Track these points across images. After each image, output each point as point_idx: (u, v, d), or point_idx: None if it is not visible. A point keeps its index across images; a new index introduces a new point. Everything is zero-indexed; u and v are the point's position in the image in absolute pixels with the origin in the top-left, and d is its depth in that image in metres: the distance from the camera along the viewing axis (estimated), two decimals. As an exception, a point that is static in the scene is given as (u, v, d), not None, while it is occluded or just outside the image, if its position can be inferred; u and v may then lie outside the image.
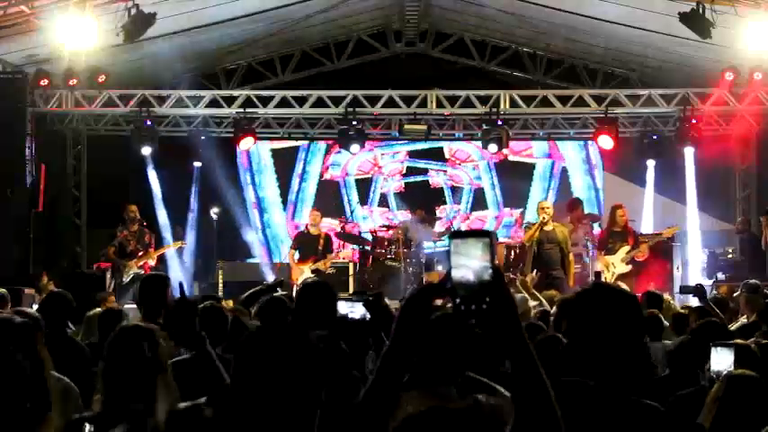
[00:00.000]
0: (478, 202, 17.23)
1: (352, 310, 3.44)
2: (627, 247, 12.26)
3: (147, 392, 3.10)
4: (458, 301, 1.83)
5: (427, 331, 3.09)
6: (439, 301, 2.05)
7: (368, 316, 3.43)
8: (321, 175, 17.10)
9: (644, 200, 15.67)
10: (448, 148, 17.19)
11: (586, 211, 14.80)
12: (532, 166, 17.21)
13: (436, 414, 1.98)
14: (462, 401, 2.05)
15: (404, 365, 2.05)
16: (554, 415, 1.91)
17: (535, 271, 11.38)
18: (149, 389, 3.10)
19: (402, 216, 16.28)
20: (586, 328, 2.55)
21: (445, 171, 17.21)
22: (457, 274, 1.83)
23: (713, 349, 3.63)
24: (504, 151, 15.36)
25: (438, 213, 16.58)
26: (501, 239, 15.69)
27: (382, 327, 3.45)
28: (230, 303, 10.20)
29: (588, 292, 2.72)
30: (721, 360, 3.60)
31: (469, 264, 1.83)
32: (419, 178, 17.22)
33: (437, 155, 17.20)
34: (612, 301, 2.58)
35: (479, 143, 15.56)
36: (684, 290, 8.75)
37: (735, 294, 9.08)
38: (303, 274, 12.78)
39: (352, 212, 16.16)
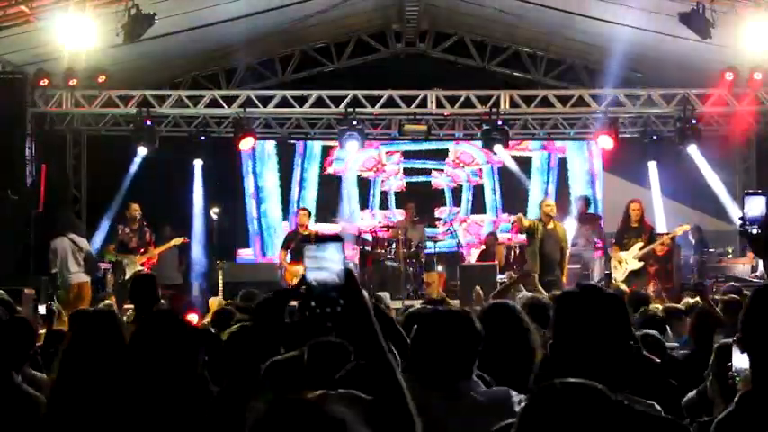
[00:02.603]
0: (477, 205, 17.25)
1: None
2: (640, 243, 12.15)
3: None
4: (313, 303, 1.90)
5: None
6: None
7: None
8: (323, 170, 17.08)
9: (652, 202, 15.62)
10: (453, 150, 17.19)
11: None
12: (529, 161, 17.20)
13: None
14: None
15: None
16: (408, 412, 1.94)
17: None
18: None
19: (400, 215, 16.34)
20: (571, 328, 2.54)
21: (442, 170, 17.20)
22: (311, 277, 1.91)
23: (735, 347, 3.57)
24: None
25: (437, 214, 16.63)
26: (501, 240, 15.72)
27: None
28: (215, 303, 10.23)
29: (574, 293, 2.71)
30: (744, 358, 3.53)
31: (323, 268, 1.90)
32: (421, 178, 17.23)
33: (440, 155, 17.20)
34: (598, 303, 2.56)
35: (482, 145, 15.68)
36: (685, 288, 8.74)
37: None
38: (298, 274, 12.78)
39: (351, 213, 16.16)
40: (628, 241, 12.21)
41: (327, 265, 1.91)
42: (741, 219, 2.89)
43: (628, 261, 12.09)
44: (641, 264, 12.12)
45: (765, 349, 2.55)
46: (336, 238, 1.96)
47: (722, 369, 3.54)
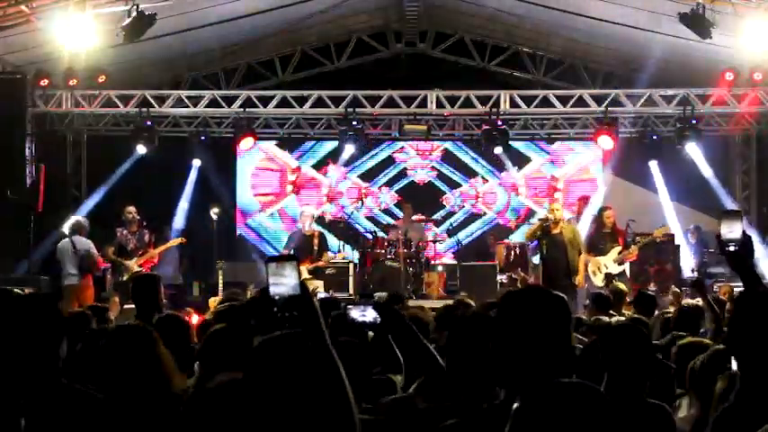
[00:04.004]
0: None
1: (364, 314, 3.49)
2: (618, 248, 12.13)
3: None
4: (276, 309, 2.38)
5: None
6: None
7: (378, 319, 3.46)
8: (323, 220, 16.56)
9: (659, 204, 15.60)
10: (479, 189, 17.15)
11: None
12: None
13: None
14: None
15: None
16: (347, 402, 2.33)
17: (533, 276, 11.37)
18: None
19: (390, 198, 16.73)
20: (512, 329, 2.54)
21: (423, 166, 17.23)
22: (274, 290, 2.39)
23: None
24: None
25: (446, 204, 16.76)
26: (501, 240, 15.72)
27: (393, 329, 3.48)
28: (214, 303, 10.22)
29: (517, 293, 2.73)
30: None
31: (283, 281, 2.39)
32: (404, 182, 17.20)
33: (469, 172, 17.18)
34: (540, 304, 2.56)
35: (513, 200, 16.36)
36: (683, 284, 8.73)
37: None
38: (301, 274, 12.82)
39: (351, 214, 16.16)
40: (604, 246, 12.17)
41: (285, 281, 2.38)
42: (717, 237, 2.96)
43: (607, 265, 12.03)
44: (621, 268, 12.09)
45: (750, 351, 2.62)
46: (292, 258, 2.43)
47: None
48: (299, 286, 2.39)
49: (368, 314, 3.45)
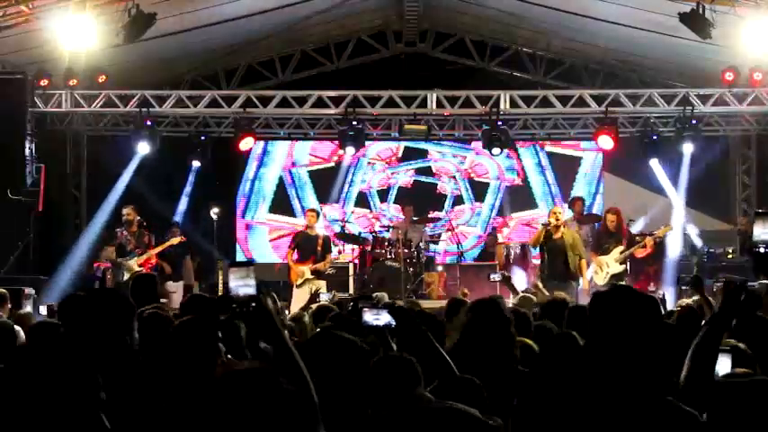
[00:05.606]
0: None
1: (378, 317, 3.55)
2: (621, 247, 12.16)
3: None
4: (234, 306, 2.95)
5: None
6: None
7: (393, 323, 3.52)
8: (338, 156, 16.98)
9: (662, 203, 15.59)
10: (470, 159, 17.20)
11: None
12: (578, 162, 17.18)
13: None
14: None
15: None
16: (309, 391, 2.63)
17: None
18: None
19: (395, 210, 16.34)
20: (604, 329, 2.54)
21: (453, 177, 17.24)
22: (244, 290, 2.94)
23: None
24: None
25: (429, 215, 16.55)
26: (500, 240, 15.74)
27: (408, 330, 3.53)
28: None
29: (605, 294, 2.72)
30: (726, 364, 3.55)
31: (249, 283, 2.95)
32: (430, 180, 17.22)
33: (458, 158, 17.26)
34: (631, 303, 2.56)
35: (501, 162, 16.15)
36: (682, 281, 8.65)
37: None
38: (303, 275, 12.84)
39: (349, 217, 16.18)
40: (608, 246, 12.19)
41: (251, 282, 2.95)
42: (749, 237, 2.92)
43: (609, 264, 12.05)
44: (623, 267, 12.10)
45: None
46: (250, 264, 3.04)
47: None
48: (255, 288, 2.95)
49: (381, 318, 3.49)
